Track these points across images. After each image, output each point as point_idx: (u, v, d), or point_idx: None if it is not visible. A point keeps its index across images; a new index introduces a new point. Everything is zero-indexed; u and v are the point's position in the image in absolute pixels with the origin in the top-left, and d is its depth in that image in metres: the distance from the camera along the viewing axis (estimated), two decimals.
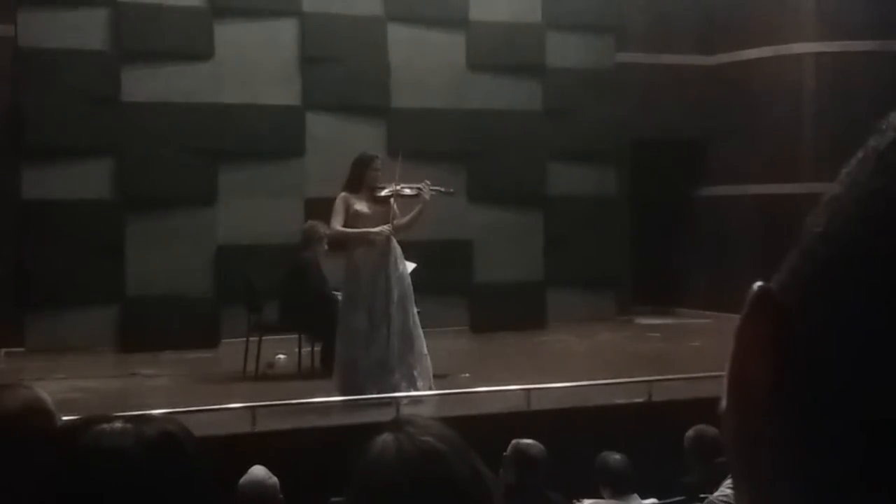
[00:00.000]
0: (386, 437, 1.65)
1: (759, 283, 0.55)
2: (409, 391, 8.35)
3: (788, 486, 0.53)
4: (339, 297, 8.91)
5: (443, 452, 1.61)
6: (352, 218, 8.42)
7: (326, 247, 9.72)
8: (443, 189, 8.76)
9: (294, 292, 9.76)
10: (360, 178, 8.52)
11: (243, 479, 5.42)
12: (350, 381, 8.33)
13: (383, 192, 8.48)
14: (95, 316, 11.72)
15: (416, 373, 8.46)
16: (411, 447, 1.62)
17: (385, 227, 8.38)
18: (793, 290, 0.54)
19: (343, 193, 8.50)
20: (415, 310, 8.61)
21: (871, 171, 0.52)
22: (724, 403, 0.56)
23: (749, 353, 0.54)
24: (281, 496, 5.41)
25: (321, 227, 9.71)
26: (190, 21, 12.21)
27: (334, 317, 8.76)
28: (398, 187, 8.49)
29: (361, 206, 8.43)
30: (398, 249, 8.50)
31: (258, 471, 5.50)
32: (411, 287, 8.55)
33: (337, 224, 8.43)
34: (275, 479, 5.44)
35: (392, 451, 1.62)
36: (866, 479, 0.49)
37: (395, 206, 8.46)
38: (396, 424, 1.69)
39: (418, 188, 8.57)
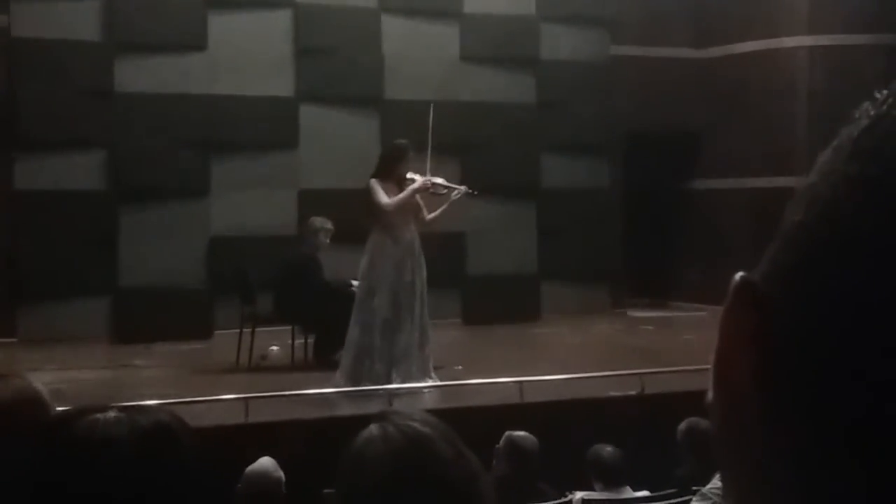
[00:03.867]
0: (371, 428, 1.67)
1: (740, 274, 0.55)
2: (424, 380, 8.49)
3: (777, 477, 0.52)
4: (354, 288, 8.92)
5: (427, 435, 1.63)
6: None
7: (328, 241, 9.81)
8: (469, 190, 8.98)
9: (290, 285, 9.77)
10: (392, 168, 8.61)
11: (250, 468, 5.33)
12: (364, 368, 8.39)
13: (418, 182, 8.57)
14: (88, 307, 11.71)
15: (429, 364, 8.64)
16: (396, 433, 1.64)
17: (426, 179, 8.56)
18: (775, 279, 0.53)
19: (373, 180, 8.56)
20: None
21: (846, 157, 0.52)
22: (710, 396, 0.56)
23: (733, 345, 0.54)
24: (284, 491, 5.32)
25: (319, 222, 9.80)
26: (184, 12, 12.17)
27: (332, 309, 8.81)
28: (433, 180, 8.59)
29: (392, 195, 8.51)
30: (419, 241, 8.64)
31: (266, 462, 5.41)
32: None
33: (385, 199, 8.45)
34: (280, 474, 5.34)
35: (377, 439, 1.64)
36: (863, 468, 0.48)
37: (419, 197, 8.60)
38: (382, 416, 1.70)
39: (455, 189, 8.82)
